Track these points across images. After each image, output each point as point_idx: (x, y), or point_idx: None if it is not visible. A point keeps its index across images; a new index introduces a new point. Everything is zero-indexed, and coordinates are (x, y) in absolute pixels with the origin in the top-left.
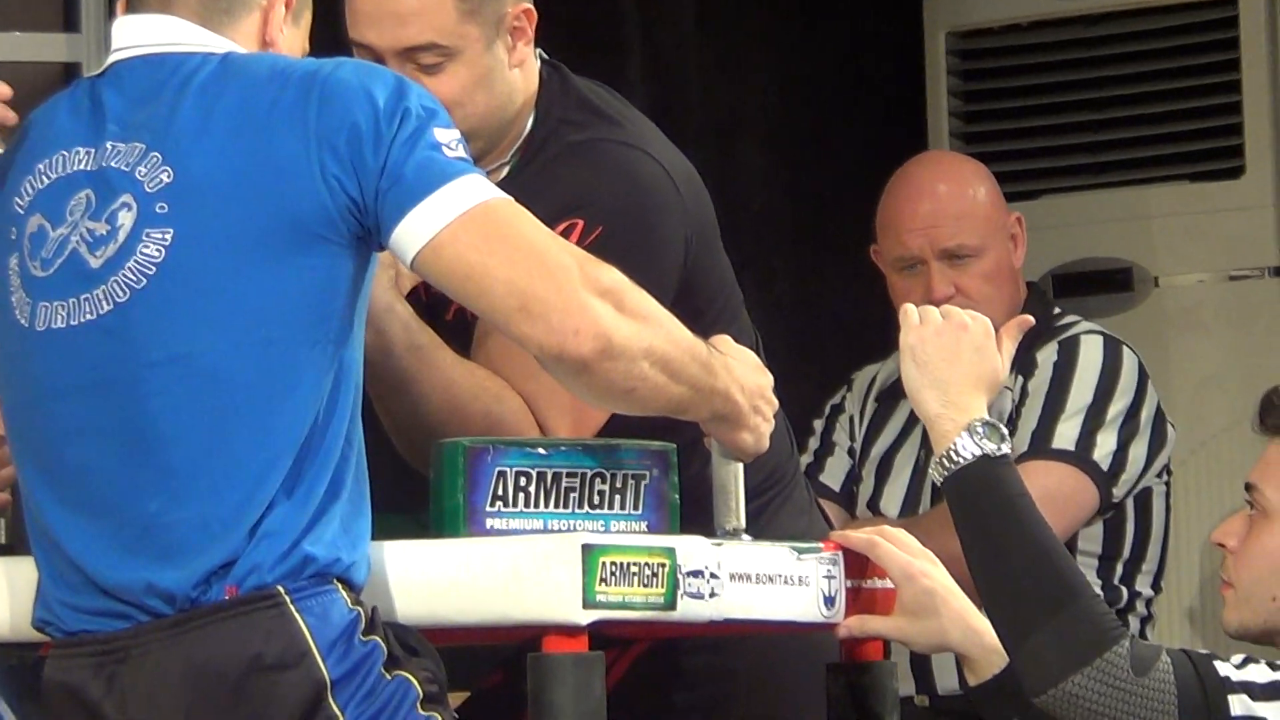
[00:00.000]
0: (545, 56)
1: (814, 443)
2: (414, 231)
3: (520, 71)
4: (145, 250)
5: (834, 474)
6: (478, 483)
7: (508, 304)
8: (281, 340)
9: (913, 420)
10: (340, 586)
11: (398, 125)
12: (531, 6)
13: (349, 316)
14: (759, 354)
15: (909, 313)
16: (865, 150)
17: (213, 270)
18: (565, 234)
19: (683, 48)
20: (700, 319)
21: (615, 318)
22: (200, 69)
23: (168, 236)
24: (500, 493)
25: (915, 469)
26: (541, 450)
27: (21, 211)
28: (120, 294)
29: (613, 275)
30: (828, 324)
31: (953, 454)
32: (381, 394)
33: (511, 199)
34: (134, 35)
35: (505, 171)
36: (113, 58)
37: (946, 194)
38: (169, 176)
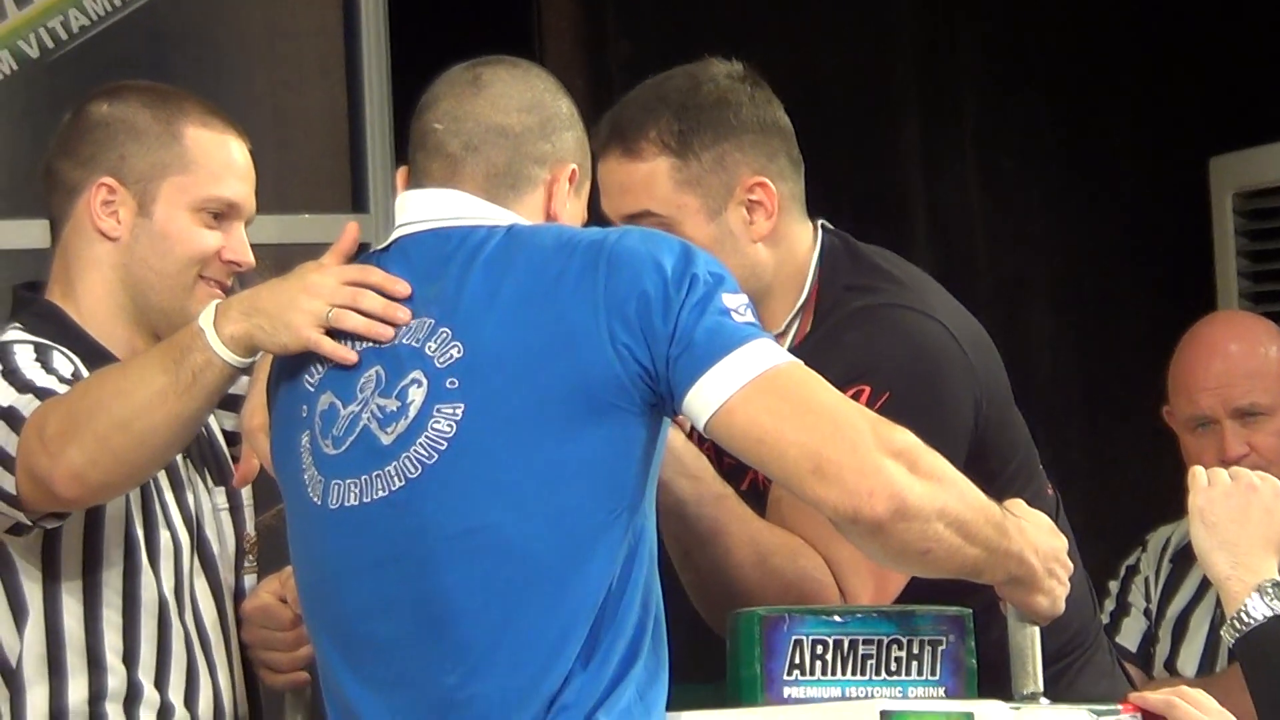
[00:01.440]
0: (828, 227)
1: (1110, 604)
2: (706, 397)
3: (767, 245)
4: (436, 426)
5: (1130, 635)
6: (775, 651)
7: (801, 467)
8: (575, 510)
9: (1208, 581)
10: None
11: (686, 291)
12: (769, 180)
13: (643, 484)
14: (1058, 515)
15: (1197, 475)
16: (1154, 312)
17: (504, 443)
18: (853, 400)
19: (968, 215)
20: (994, 480)
21: (909, 479)
22: (487, 242)
23: (458, 411)
24: (797, 661)
25: (1211, 629)
26: (838, 618)
27: (312, 389)
28: (412, 470)
29: (906, 437)
30: (1120, 486)
31: (1244, 615)
32: (690, 548)
33: (800, 362)
34: (419, 210)
35: (786, 343)
36: (398, 233)
37: (1238, 353)
38: (459, 351)
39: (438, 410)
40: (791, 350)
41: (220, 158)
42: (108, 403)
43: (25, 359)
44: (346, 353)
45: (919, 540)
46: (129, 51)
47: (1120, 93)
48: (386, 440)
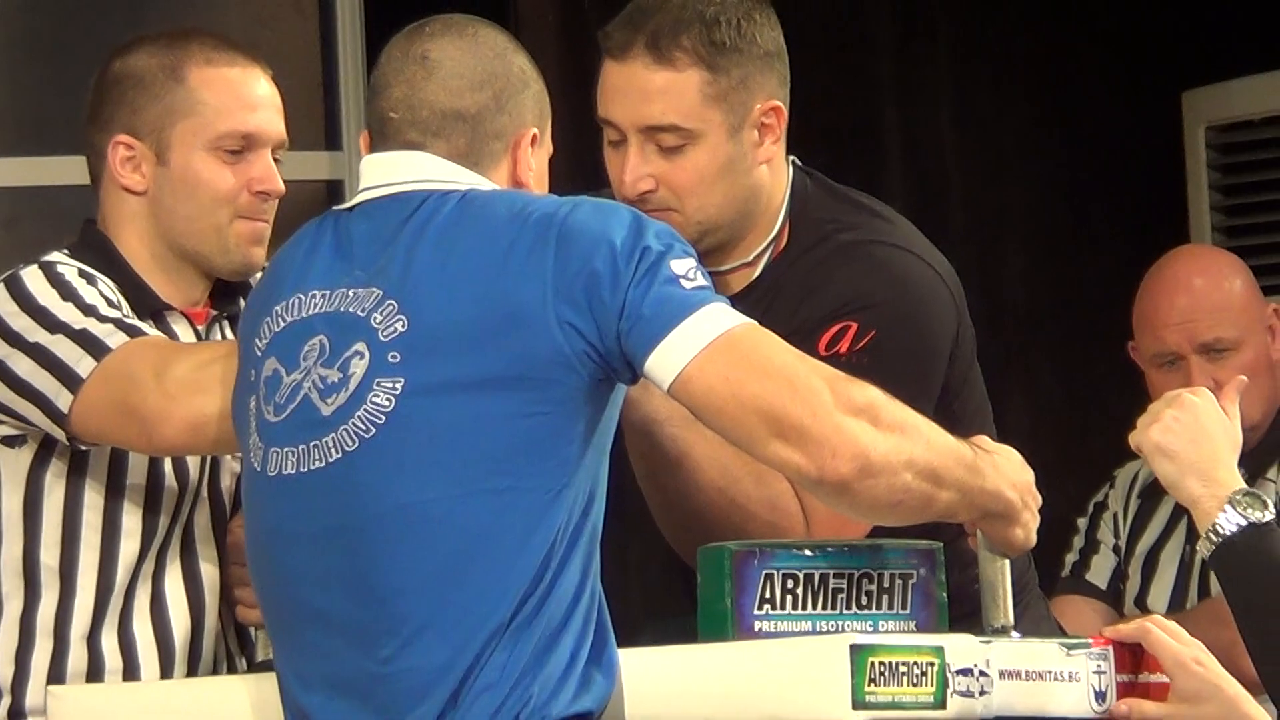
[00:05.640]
0: (799, 163)
1: (1079, 541)
2: (660, 368)
3: (768, 169)
4: (375, 399)
5: (1100, 572)
6: (745, 586)
7: (762, 433)
8: (513, 489)
9: (1177, 515)
10: None
11: (636, 264)
12: (781, 104)
13: (586, 459)
14: None
15: (1140, 424)
16: (1128, 246)
17: (443, 419)
18: (838, 336)
19: (942, 151)
20: (959, 421)
21: (873, 434)
22: (439, 210)
23: (398, 385)
24: (768, 595)
25: (1182, 564)
26: (808, 552)
27: (259, 354)
28: (349, 442)
29: (865, 392)
30: (1093, 420)
31: (1218, 528)
32: (656, 468)
33: (754, 323)
34: (382, 173)
35: (757, 272)
36: (360, 196)
37: (1202, 288)
38: (403, 325)
39: (378, 384)
40: (761, 282)
41: (226, 92)
42: None
43: (74, 279)
44: None
45: (887, 494)
46: None
47: (1094, 26)
48: (326, 411)
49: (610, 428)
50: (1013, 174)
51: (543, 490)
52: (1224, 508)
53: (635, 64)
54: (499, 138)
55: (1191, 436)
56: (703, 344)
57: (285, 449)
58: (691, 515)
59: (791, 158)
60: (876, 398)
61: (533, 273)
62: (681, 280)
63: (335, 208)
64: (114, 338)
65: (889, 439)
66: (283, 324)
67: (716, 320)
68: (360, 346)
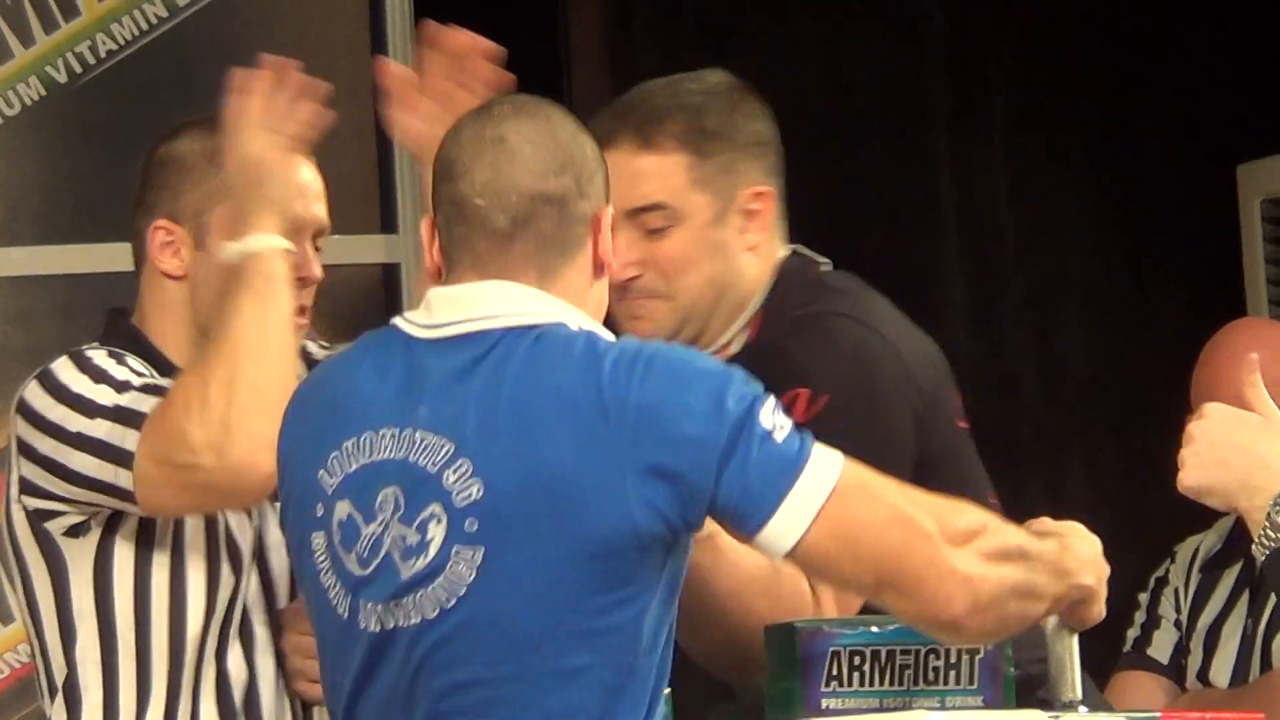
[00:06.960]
0: (803, 251)
1: (1140, 616)
2: (772, 542)
3: (753, 256)
4: (456, 568)
5: (1161, 647)
6: (812, 664)
7: (879, 586)
8: (588, 669)
9: (1238, 589)
10: None
11: (725, 437)
12: (770, 191)
13: (657, 630)
14: None
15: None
16: (1185, 318)
17: (521, 596)
18: (791, 404)
19: (999, 225)
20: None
21: (980, 568)
22: (512, 354)
23: (478, 556)
24: (835, 672)
25: (1244, 638)
26: (874, 628)
27: (329, 491)
28: (429, 610)
29: (968, 517)
30: (1152, 493)
31: (1267, 533)
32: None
33: (849, 462)
34: (452, 310)
35: (726, 356)
36: (432, 332)
37: (1261, 361)
38: (479, 491)
39: (457, 552)
40: (732, 358)
41: None
42: (268, 360)
43: (103, 360)
44: None
45: (995, 624)
46: (156, 76)
47: (1150, 100)
48: (406, 574)
49: (681, 572)
50: (1069, 247)
51: (616, 669)
52: (1266, 519)
53: (622, 149)
54: (582, 221)
55: (1216, 460)
56: (812, 514)
57: (372, 604)
58: (706, 624)
59: (796, 246)
60: (978, 521)
61: (610, 451)
62: (774, 434)
63: (402, 325)
64: (146, 404)
65: (993, 570)
66: (355, 465)
67: (820, 479)
68: (436, 509)
